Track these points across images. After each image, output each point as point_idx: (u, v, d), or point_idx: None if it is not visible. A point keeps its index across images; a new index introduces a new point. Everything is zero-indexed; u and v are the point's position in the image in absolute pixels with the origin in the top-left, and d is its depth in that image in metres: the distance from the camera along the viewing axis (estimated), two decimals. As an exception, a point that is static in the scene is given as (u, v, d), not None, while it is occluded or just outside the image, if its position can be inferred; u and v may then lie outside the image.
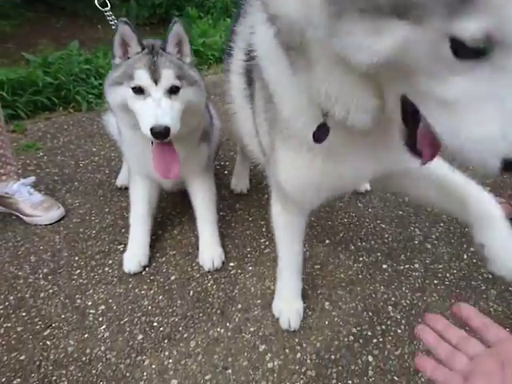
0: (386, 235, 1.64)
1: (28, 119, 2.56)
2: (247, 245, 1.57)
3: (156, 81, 1.14)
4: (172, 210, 1.75)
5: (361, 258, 1.52)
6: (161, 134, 1.11)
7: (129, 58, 1.18)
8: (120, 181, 1.88)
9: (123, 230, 1.61)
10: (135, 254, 1.44)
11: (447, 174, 1.00)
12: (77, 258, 1.49)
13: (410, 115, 0.66)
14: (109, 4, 1.36)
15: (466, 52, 0.49)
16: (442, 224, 1.70)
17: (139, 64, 1.14)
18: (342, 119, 0.71)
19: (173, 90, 1.16)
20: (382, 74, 0.61)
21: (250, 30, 0.87)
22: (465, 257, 1.53)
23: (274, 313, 1.28)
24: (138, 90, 1.14)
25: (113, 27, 1.38)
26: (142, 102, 1.14)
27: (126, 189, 1.85)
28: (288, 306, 1.26)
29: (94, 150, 2.24)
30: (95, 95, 2.83)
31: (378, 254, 1.54)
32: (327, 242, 1.60)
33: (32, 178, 1.75)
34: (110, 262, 1.48)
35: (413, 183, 1.06)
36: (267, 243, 1.58)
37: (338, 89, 0.67)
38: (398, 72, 0.58)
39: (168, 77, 1.14)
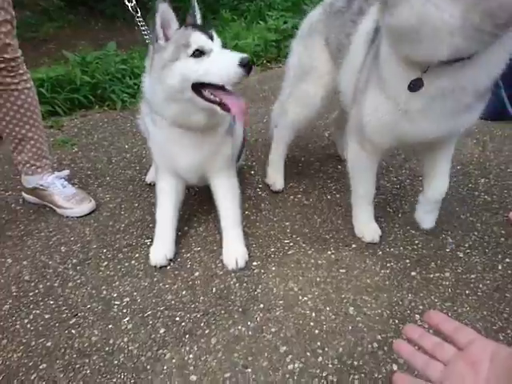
0: (416, 241, 1.58)
1: (65, 116, 2.67)
2: (271, 245, 1.56)
3: (212, 38, 1.20)
4: (199, 207, 1.77)
5: (388, 264, 1.47)
6: (248, 64, 1.13)
7: (168, 39, 1.20)
8: (150, 177, 1.92)
9: (151, 225, 1.64)
10: (161, 248, 1.46)
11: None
12: (105, 251, 1.53)
13: None
14: (139, 11, 1.41)
15: None
16: (475, 233, 1.62)
17: (190, 31, 1.18)
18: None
19: None
20: None
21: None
22: (499, 267, 1.45)
23: (357, 235, 1.59)
24: (198, 54, 1.16)
25: (143, 32, 1.42)
26: (208, 60, 1.17)
27: (155, 185, 1.90)
28: (367, 227, 1.58)
29: (127, 147, 2.31)
30: (130, 94, 2.91)
31: (407, 260, 1.49)
32: (354, 246, 1.56)
33: (66, 172, 1.81)
34: (137, 255, 1.51)
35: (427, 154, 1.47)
36: (291, 244, 1.56)
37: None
38: None
39: (216, 36, 1.22)
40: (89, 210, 1.73)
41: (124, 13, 5.95)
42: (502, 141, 2.37)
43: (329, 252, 1.53)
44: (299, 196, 1.88)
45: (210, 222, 1.67)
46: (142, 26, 1.46)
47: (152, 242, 1.51)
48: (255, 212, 1.75)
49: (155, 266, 1.44)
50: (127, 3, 1.45)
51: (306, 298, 1.32)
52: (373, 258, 1.50)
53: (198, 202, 1.79)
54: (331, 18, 1.58)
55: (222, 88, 1.21)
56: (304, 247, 1.55)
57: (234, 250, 1.47)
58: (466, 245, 1.56)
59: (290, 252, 1.52)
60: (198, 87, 1.20)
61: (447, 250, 1.53)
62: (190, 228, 1.64)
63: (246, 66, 1.12)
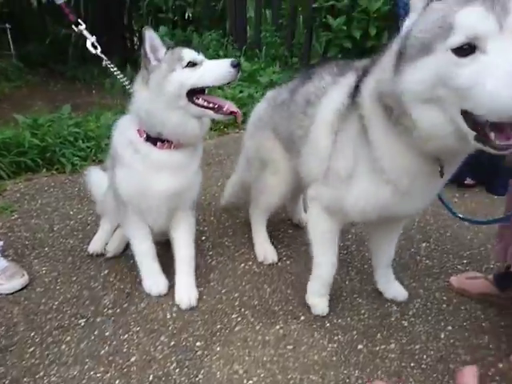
0: (363, 311, 1.58)
1: (9, 179, 2.56)
2: (217, 321, 1.49)
3: (198, 53, 1.39)
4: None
5: (336, 337, 1.45)
6: (238, 65, 1.34)
7: (159, 60, 1.37)
8: (92, 247, 1.83)
9: (87, 302, 1.54)
10: (158, 278, 1.62)
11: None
12: (33, 334, 1.40)
13: None
14: (99, 47, 1.58)
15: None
16: (418, 300, 1.65)
17: (180, 49, 1.37)
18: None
19: None
20: None
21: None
22: (442, 336, 1.47)
23: (309, 305, 1.57)
24: (192, 65, 1.35)
25: (113, 70, 1.60)
26: (201, 68, 1.35)
27: (98, 256, 1.82)
28: (320, 300, 1.56)
29: (71, 213, 2.22)
30: (81, 157, 2.86)
31: (354, 332, 1.47)
32: (302, 318, 1.54)
33: (0, 243, 1.69)
34: (68, 338, 1.39)
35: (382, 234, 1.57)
36: (239, 319, 1.51)
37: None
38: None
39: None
40: (20, 286, 1.59)
41: (84, 74, 6.08)
42: (441, 205, 2.52)
43: (277, 326, 1.49)
44: (250, 263, 1.86)
45: (153, 296, 1.59)
46: (109, 64, 1.60)
47: (87, 321, 1.44)
48: (203, 283, 1.70)
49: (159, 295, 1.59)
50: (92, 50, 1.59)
51: (250, 382, 1.25)
52: (321, 331, 1.47)
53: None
54: (277, 110, 1.67)
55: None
56: (252, 322, 1.50)
57: (187, 289, 1.59)
58: (410, 313, 1.58)
59: (236, 328, 1.47)
60: (192, 96, 1.36)
61: (392, 319, 1.54)
62: (131, 304, 1.55)
63: (237, 66, 1.34)
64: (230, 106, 1.41)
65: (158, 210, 1.50)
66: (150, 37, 1.34)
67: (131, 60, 6.08)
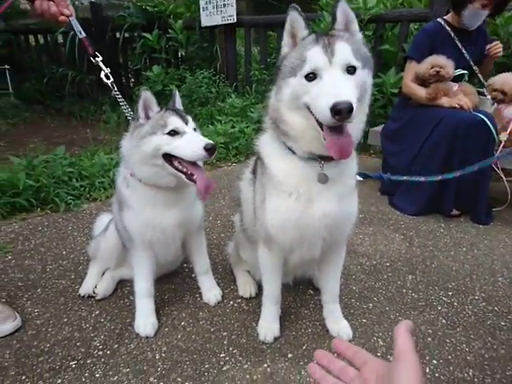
0: (350, 347, 1.61)
1: (3, 220, 2.60)
2: (206, 361, 1.51)
3: (186, 123, 1.48)
4: (132, 320, 1.70)
5: (323, 374, 1.47)
6: (211, 149, 1.42)
7: (149, 118, 1.48)
8: (83, 290, 1.86)
9: (78, 344, 1.56)
10: (148, 320, 1.65)
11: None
12: (24, 378, 1.41)
13: None
14: (111, 78, 1.73)
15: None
16: (404, 334, 1.68)
17: (168, 115, 1.46)
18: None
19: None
20: None
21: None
22: (427, 370, 1.50)
23: (258, 331, 1.67)
24: (173, 133, 1.44)
25: (120, 101, 1.75)
26: (180, 139, 1.44)
27: (89, 297, 1.85)
28: (267, 325, 1.66)
29: (64, 253, 2.26)
30: (75, 196, 2.93)
31: (341, 368, 1.50)
32: (290, 355, 1.56)
33: (-8, 287, 1.73)
34: (59, 381, 1.40)
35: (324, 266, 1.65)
36: (227, 358, 1.53)
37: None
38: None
39: (191, 120, 1.52)
40: (12, 329, 1.61)
41: (81, 111, 6.23)
42: (427, 235, 2.59)
43: (265, 365, 1.51)
44: (239, 301, 1.89)
45: (143, 337, 1.62)
46: (125, 108, 1.74)
47: (78, 363, 1.45)
48: (192, 322, 1.72)
49: (147, 337, 1.62)
50: (105, 80, 1.72)
51: (237, 422, 1.27)
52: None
53: (132, 315, 1.73)
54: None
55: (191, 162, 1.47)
56: (240, 360, 1.52)
57: (213, 289, 1.88)
58: (396, 348, 1.61)
59: (225, 368, 1.48)
60: (169, 157, 1.45)
61: (378, 354, 1.57)
62: (121, 345, 1.57)
63: (210, 150, 1.41)
64: (201, 183, 1.45)
65: (165, 242, 1.62)
66: (145, 97, 1.46)
67: (126, 97, 6.28)
